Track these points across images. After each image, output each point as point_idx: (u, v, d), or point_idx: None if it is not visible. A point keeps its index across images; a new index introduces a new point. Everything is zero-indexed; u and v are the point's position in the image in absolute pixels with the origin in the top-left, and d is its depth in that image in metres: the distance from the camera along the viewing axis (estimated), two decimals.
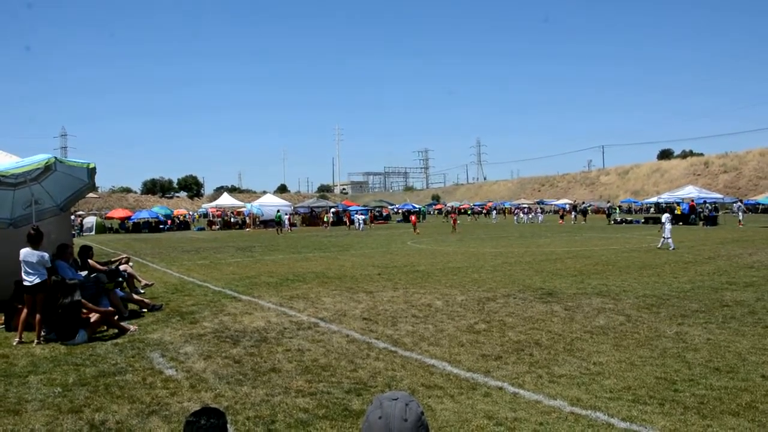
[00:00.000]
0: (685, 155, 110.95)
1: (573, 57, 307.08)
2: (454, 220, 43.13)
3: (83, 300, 8.27)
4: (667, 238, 21.41)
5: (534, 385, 5.62)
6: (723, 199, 52.83)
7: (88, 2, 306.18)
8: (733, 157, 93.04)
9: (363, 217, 50.82)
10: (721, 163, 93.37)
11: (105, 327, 8.47)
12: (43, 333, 7.79)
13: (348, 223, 50.46)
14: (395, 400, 1.63)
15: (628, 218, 55.32)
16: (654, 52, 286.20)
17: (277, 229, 43.84)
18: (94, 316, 8.21)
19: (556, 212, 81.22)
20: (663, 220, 22.57)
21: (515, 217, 62.17)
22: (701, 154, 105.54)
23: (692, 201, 45.15)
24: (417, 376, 6.05)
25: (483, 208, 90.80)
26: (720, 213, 47.21)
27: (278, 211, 47.38)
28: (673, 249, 20.72)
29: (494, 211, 71.94)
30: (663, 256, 18.73)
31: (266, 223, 49.63)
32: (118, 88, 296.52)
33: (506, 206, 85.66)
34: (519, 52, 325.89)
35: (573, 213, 57.77)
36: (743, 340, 7.22)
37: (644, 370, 6.03)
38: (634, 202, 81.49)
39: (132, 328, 8.55)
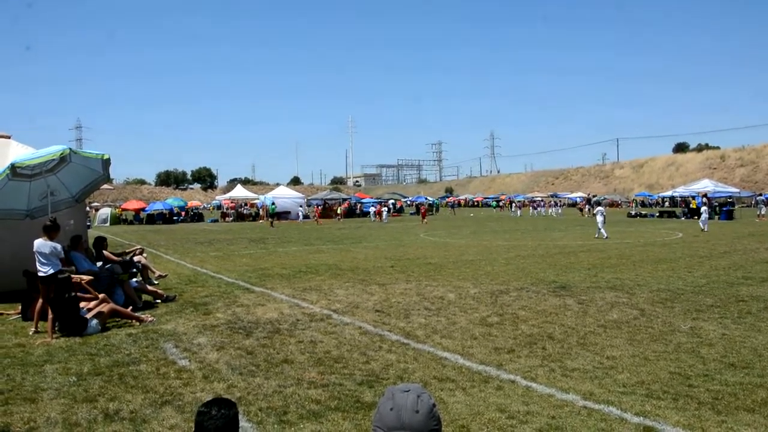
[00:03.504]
0: (700, 148, 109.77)
1: (588, 49, 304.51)
2: (423, 213, 46.42)
3: (78, 293, 8.30)
4: (600, 228, 24.23)
5: (547, 379, 5.60)
6: (739, 193, 52.25)
7: None
8: (750, 150, 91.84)
9: (373, 209, 51.32)
10: (737, 157, 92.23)
11: (118, 318, 8.54)
12: (56, 327, 7.84)
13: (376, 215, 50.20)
14: (407, 392, 1.63)
15: (643, 212, 54.90)
16: (670, 44, 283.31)
17: (270, 222, 42.69)
18: (102, 307, 8.26)
19: (571, 205, 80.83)
20: (595, 212, 25.61)
21: (531, 210, 62.03)
22: (717, 148, 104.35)
23: (706, 195, 44.71)
24: (429, 368, 6.04)
25: (500, 200, 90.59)
26: (736, 207, 46.66)
27: (273, 203, 47.03)
28: (606, 238, 23.45)
29: (513, 204, 71.73)
30: (678, 250, 18.57)
31: (280, 215, 49.73)
32: (132, 81, 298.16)
33: (519, 199, 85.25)
34: (534, 44, 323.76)
35: (588, 206, 57.45)
36: (759, 336, 7.15)
37: (658, 365, 5.98)
38: (649, 195, 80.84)
39: (148, 318, 8.60)
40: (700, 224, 28.15)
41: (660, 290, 10.66)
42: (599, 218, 24.62)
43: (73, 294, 7.98)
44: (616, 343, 6.90)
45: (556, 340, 7.15)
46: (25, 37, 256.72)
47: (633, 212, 53.20)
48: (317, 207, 52.63)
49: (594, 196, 74.84)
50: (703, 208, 29.54)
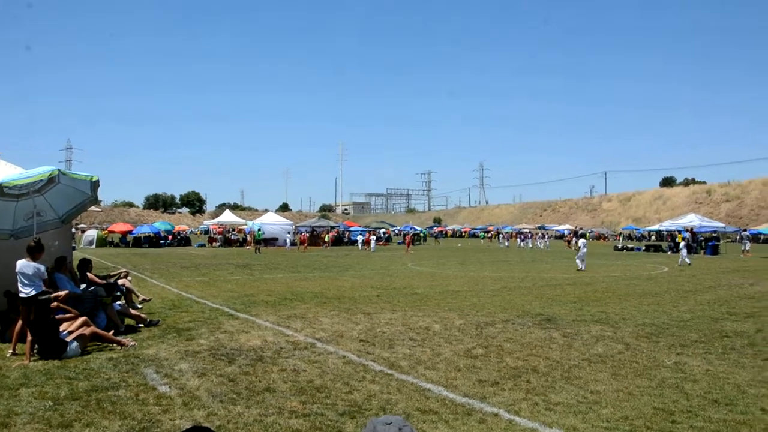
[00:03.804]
0: (687, 183, 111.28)
1: (575, 83, 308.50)
2: (408, 243, 48.72)
3: (58, 314, 8.20)
4: (577, 260, 24.99)
5: (530, 413, 5.56)
6: (725, 228, 52.79)
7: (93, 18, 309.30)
8: (735, 186, 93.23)
9: (361, 237, 51.99)
10: (723, 192, 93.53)
11: (99, 342, 8.41)
12: (35, 350, 7.72)
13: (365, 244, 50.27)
14: (389, 424, 1.62)
15: (630, 245, 55.24)
16: (657, 79, 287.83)
17: (255, 248, 42.81)
18: (83, 330, 8.14)
19: (558, 237, 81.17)
20: (580, 245, 26.03)
21: (519, 242, 62.56)
22: (704, 182, 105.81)
23: (691, 229, 45.09)
24: (412, 399, 5.98)
25: (488, 231, 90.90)
26: (721, 242, 47.09)
27: (259, 229, 47.07)
28: (580, 269, 24.22)
29: (500, 235, 72.08)
30: (663, 284, 18.65)
31: (267, 242, 49.61)
32: (123, 103, 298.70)
33: (507, 230, 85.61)
34: (523, 75, 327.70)
35: (574, 239, 57.75)
36: (743, 372, 7.15)
37: (642, 400, 5.96)
38: (636, 229, 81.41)
39: (130, 342, 8.48)
40: (680, 260, 28.68)
41: (645, 324, 10.68)
42: (583, 250, 25.16)
43: (52, 316, 7.86)
44: (600, 378, 6.87)
45: (541, 373, 7.12)
46: (14, 57, 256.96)
47: (620, 245, 53.51)
48: (302, 234, 52.59)
49: (580, 229, 75.32)
50: (681, 244, 30.11)
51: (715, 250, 41.48)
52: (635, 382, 6.69)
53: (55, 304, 8.24)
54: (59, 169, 9.32)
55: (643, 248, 50.19)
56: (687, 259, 28.68)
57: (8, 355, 7.88)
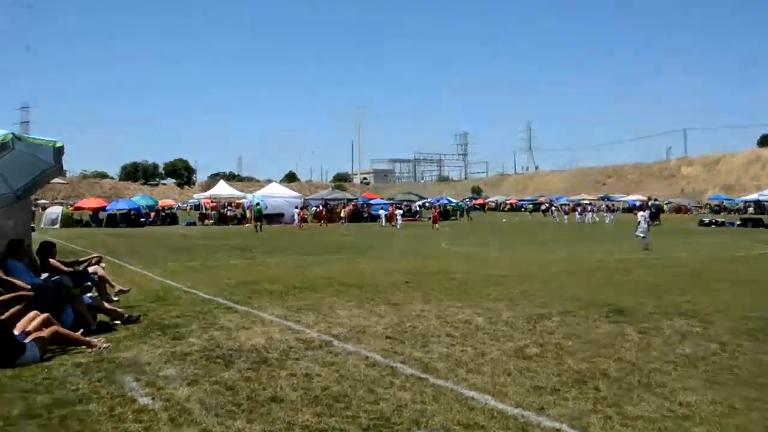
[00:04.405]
0: None
1: (645, 16, 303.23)
2: (435, 218, 49.20)
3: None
4: (642, 236, 24.70)
5: (601, 428, 5.46)
6: None
7: None
8: None
9: (384, 212, 52.49)
10: None
11: (65, 345, 8.44)
12: None
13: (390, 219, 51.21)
14: None
15: (719, 219, 54.51)
16: (749, 16, 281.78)
17: (256, 225, 43.54)
18: (43, 330, 8.15)
19: (627, 210, 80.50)
20: (639, 218, 25.73)
21: (577, 216, 62.16)
22: None
23: None
24: (452, 411, 5.92)
25: (539, 203, 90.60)
26: None
27: (257, 204, 47.48)
28: (648, 249, 24.03)
29: (554, 208, 71.74)
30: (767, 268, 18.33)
31: (270, 218, 49.97)
32: (94, 60, 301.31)
33: (562, 202, 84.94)
34: (579, 13, 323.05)
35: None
36: None
37: (749, 417, 5.79)
38: (727, 199, 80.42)
39: (103, 344, 8.50)
40: None
41: (746, 318, 10.48)
42: (643, 225, 24.98)
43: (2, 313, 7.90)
44: (690, 385, 6.73)
45: (612, 378, 7.01)
46: None
47: (706, 220, 52.92)
48: (301, 210, 52.91)
49: (655, 200, 74.53)
50: None
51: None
52: (738, 392, 6.53)
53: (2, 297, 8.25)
54: (13, 133, 9.32)
55: (738, 223, 49.54)
56: None
57: None
